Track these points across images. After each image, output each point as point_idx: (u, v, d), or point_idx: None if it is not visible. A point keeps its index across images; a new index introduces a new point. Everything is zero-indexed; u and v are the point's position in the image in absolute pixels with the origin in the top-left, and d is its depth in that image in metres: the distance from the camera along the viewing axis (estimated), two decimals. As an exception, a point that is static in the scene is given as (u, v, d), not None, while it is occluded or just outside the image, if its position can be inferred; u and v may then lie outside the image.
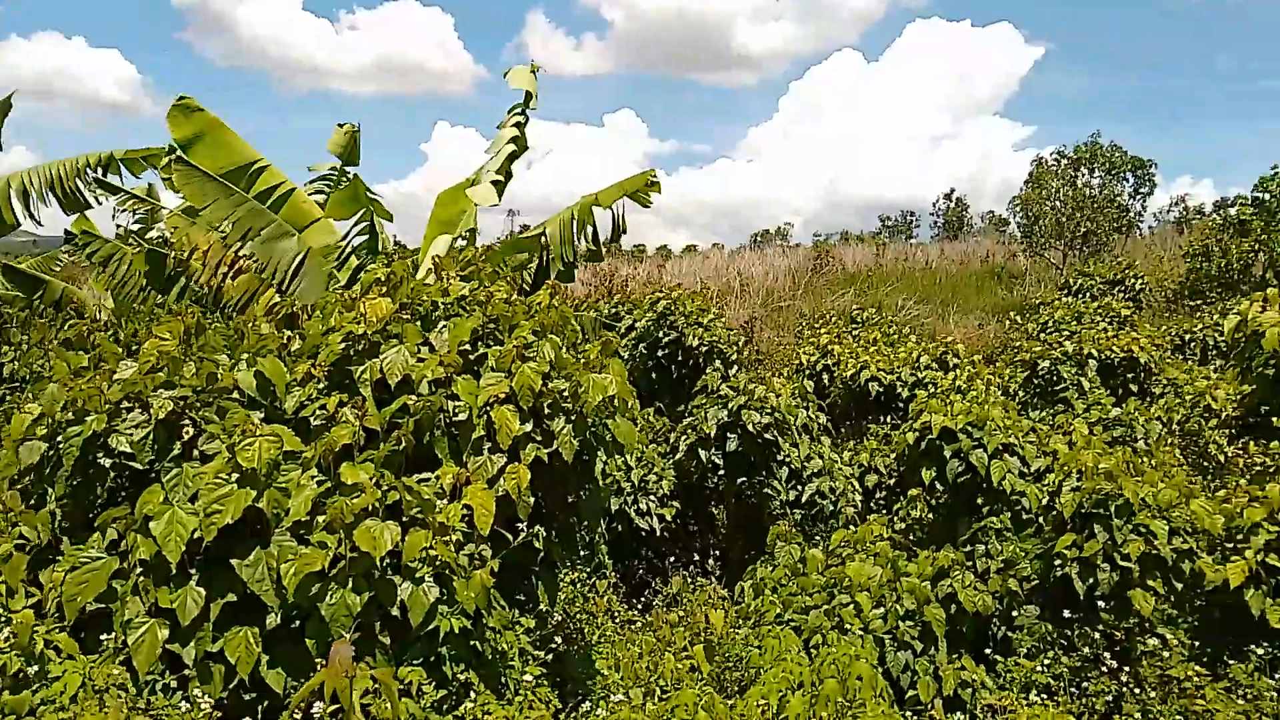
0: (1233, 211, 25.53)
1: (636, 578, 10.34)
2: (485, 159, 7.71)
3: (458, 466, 4.70)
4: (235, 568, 4.21)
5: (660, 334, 12.15)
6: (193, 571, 4.26)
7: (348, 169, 8.75)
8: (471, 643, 4.43)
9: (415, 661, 4.24)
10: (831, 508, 10.67)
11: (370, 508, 4.25)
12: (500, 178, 7.54)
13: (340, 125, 8.66)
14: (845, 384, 13.10)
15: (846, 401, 13.17)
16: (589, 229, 7.05)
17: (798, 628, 6.84)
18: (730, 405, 10.22)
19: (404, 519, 4.36)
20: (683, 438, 10.59)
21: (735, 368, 12.22)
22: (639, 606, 9.18)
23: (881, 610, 6.78)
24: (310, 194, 8.82)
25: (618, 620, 8.47)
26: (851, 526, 8.94)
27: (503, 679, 4.62)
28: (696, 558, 10.27)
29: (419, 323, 5.03)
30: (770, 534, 8.92)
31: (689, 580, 9.13)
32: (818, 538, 9.90)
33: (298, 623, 4.23)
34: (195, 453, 4.56)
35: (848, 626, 6.72)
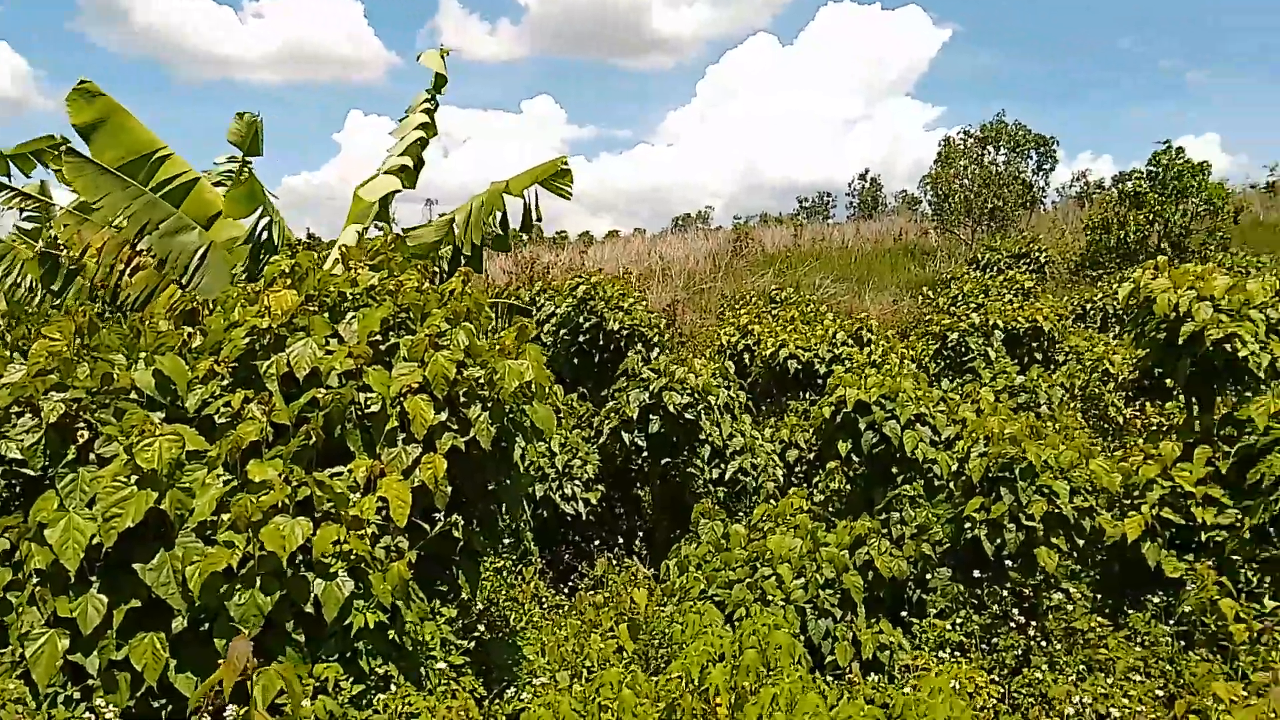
0: (1129, 185, 26.68)
1: (564, 563, 10.37)
2: (392, 143, 7.55)
3: (372, 459, 4.63)
4: (138, 572, 4.07)
5: (581, 319, 12.14)
6: (93, 579, 4.10)
7: (249, 159, 8.46)
8: (390, 635, 4.39)
9: (331, 657, 4.18)
10: (754, 484, 10.86)
11: (279, 504, 4.16)
12: (408, 162, 7.39)
13: (240, 114, 8.36)
14: (765, 363, 13.31)
15: (767, 380, 13.40)
16: (498, 216, 6.96)
17: (722, 602, 6.96)
18: (652, 387, 10.30)
19: (317, 514, 4.29)
20: (606, 421, 10.63)
21: (657, 350, 12.30)
22: (566, 591, 9.20)
23: (802, 580, 6.94)
24: (214, 184, 8.50)
25: (546, 605, 8.48)
26: (773, 501, 9.12)
27: (424, 669, 4.59)
28: (623, 540, 10.34)
29: (327, 314, 4.93)
30: (694, 512, 9.03)
31: (614, 562, 9.19)
32: (741, 514, 10.08)
33: (207, 625, 4.12)
34: (91, 456, 4.39)
35: (770, 598, 6.86)
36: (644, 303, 13.21)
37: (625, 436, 10.35)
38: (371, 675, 4.26)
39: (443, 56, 8.09)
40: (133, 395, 4.68)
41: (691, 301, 23.87)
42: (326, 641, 4.22)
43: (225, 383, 4.85)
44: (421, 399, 4.62)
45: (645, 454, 10.50)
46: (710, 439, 10.58)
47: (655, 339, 12.38)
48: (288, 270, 4.98)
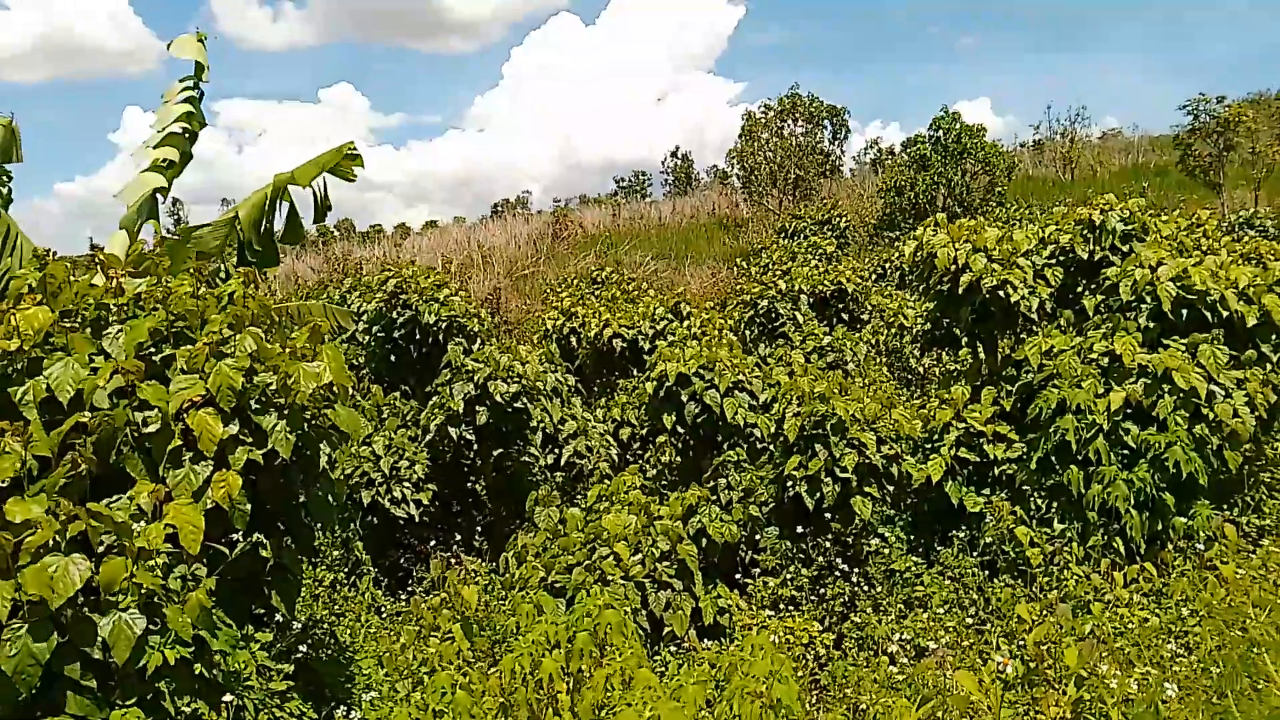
0: (915, 150, 28.56)
1: (402, 569, 10.02)
2: (153, 137, 6.89)
3: (156, 483, 4.24)
4: (-120, 641, 3.54)
5: (394, 314, 11.70)
6: None
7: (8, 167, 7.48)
8: (197, 670, 4.05)
9: (129, 702, 3.82)
10: (591, 466, 10.88)
11: (50, 543, 3.73)
12: (171, 155, 6.79)
13: None
14: (591, 343, 13.33)
15: (594, 360, 13.43)
16: (284, 208, 6.53)
17: (562, 588, 6.91)
18: (476, 378, 10.08)
19: (99, 549, 3.88)
20: (431, 418, 10.32)
21: (479, 340, 12.04)
22: (405, 597, 8.89)
23: (639, 556, 6.99)
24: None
25: (385, 615, 8.16)
26: (608, 481, 9.15)
27: (240, 701, 4.28)
28: (461, 537, 10.10)
29: (88, 330, 4.45)
30: (529, 500, 8.94)
31: (450, 561, 8.96)
32: (580, 497, 10.06)
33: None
34: None
35: (610, 577, 6.88)
36: (462, 292, 12.90)
37: (453, 431, 10.09)
38: (178, 715, 3.92)
39: (200, 41, 7.46)
40: None
41: (515, 288, 23.63)
42: (121, 685, 3.85)
43: (-26, 416, 4.29)
44: (207, 413, 4.27)
45: (476, 447, 10.28)
46: (542, 425, 10.48)
47: (476, 329, 12.12)
48: (36, 284, 4.45)
